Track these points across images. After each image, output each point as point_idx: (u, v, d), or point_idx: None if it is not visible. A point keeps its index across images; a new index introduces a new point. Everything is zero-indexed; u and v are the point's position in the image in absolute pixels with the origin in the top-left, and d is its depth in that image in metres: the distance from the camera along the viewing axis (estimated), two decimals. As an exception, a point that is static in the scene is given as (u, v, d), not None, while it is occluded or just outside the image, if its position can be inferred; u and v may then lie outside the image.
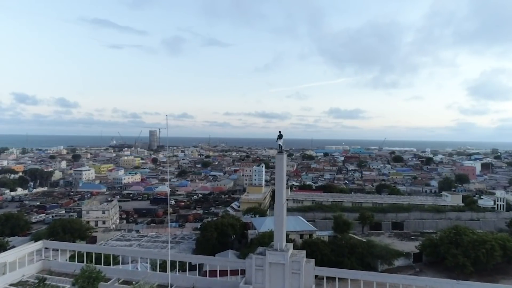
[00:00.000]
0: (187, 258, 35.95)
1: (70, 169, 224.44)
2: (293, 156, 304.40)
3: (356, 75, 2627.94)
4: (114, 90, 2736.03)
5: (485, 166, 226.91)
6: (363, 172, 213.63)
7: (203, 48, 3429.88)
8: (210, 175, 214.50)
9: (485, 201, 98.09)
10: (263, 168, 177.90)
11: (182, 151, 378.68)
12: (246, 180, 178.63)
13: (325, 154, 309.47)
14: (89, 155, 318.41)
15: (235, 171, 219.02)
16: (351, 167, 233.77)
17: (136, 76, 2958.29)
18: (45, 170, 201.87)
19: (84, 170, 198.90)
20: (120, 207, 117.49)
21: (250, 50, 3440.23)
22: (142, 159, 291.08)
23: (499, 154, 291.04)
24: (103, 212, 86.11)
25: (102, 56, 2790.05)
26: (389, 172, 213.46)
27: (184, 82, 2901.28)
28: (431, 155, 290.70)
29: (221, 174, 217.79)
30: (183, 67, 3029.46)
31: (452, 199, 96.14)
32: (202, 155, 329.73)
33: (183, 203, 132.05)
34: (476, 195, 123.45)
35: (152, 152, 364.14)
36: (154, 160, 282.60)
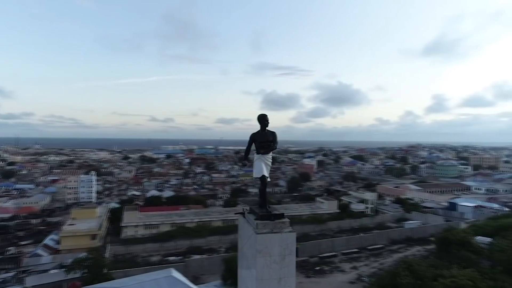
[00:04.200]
0: None
1: None
2: (131, 159, 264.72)
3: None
4: None
5: (319, 164, 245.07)
6: (212, 175, 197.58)
7: None
8: (14, 189, 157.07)
9: (358, 205, 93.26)
10: (94, 177, 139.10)
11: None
12: (70, 194, 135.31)
13: (168, 156, 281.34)
14: None
15: (54, 181, 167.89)
16: (198, 170, 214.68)
17: None
18: None
19: None
20: None
21: None
22: None
23: (325, 152, 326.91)
24: None
25: None
26: (238, 174, 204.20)
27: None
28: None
29: (32, 187, 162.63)
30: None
31: (329, 205, 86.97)
32: (5, 161, 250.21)
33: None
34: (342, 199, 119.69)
35: None
36: None
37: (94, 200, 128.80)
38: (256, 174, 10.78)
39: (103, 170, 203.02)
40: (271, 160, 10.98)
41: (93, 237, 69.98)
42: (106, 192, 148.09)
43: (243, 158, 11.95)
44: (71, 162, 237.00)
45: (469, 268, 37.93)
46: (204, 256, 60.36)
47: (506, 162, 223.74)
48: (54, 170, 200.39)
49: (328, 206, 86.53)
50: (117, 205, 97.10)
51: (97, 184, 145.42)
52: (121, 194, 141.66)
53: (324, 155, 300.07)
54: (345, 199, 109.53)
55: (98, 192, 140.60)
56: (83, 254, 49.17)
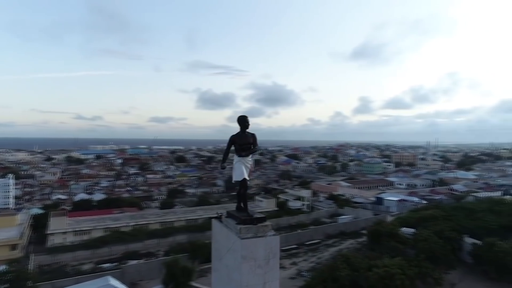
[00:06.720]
0: None
1: None
2: (55, 160, 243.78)
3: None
4: None
5: (255, 163, 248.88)
6: (147, 176, 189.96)
7: None
8: None
9: (295, 203, 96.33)
10: (12, 181, 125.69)
11: None
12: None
13: (98, 156, 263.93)
14: None
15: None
16: (132, 171, 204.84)
17: None
18: None
19: None
20: None
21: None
22: None
23: (261, 151, 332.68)
24: None
25: None
26: (175, 174, 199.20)
27: None
28: (208, 154, 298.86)
29: None
30: None
31: (267, 204, 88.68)
32: None
33: None
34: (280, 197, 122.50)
35: None
36: None
37: (12, 206, 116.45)
38: (236, 177, 10.56)
39: (22, 172, 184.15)
40: (251, 163, 10.82)
41: (13, 247, 63.08)
42: (27, 197, 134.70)
43: (222, 161, 11.63)
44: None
45: (397, 257, 41.33)
46: (141, 261, 57.62)
47: (422, 159, 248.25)
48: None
49: (266, 205, 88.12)
50: (40, 211, 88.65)
51: (16, 188, 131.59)
52: (44, 199, 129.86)
53: (260, 154, 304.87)
54: (282, 197, 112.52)
55: (16, 197, 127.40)
56: (2, 267, 44.12)
